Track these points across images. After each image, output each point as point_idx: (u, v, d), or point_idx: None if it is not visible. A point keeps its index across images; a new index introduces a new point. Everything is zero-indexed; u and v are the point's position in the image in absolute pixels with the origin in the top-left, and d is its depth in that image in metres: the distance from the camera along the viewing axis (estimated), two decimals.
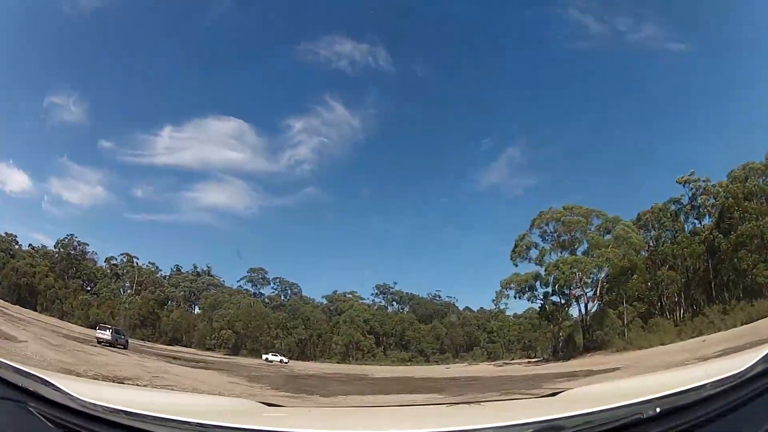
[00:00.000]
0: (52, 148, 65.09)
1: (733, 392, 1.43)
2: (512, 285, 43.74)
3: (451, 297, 73.36)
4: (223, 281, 68.02)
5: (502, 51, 64.13)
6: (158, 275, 64.52)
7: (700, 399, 1.43)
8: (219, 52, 68.31)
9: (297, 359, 56.03)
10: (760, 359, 1.48)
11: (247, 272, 68.21)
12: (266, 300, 68.25)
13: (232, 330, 58.66)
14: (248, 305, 63.07)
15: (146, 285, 60.65)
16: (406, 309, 72.02)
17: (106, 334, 31.32)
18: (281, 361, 49.36)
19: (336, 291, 71.90)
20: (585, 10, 59.28)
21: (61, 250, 56.79)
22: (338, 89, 72.79)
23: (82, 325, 46.68)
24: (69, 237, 57.43)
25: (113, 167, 66.46)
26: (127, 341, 33.63)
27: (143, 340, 49.48)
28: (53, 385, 1.47)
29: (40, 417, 1.42)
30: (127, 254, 61.89)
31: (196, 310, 65.22)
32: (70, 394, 1.45)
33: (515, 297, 44.47)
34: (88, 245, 57.73)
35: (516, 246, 43.28)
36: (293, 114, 72.07)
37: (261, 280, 68.79)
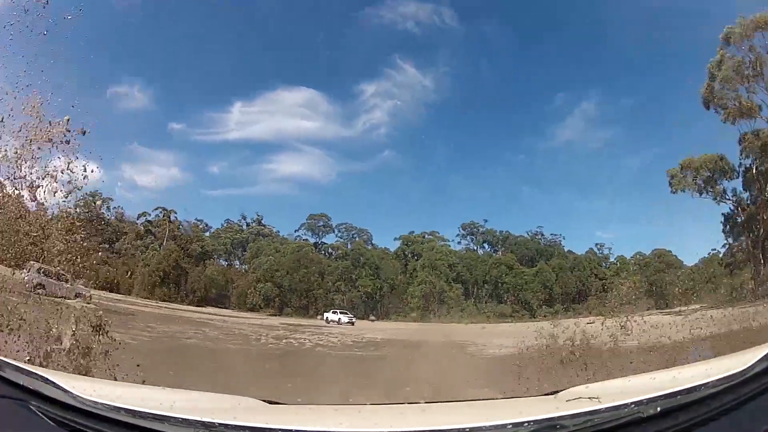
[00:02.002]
0: (121, 136, 75.59)
1: (733, 391, 1.64)
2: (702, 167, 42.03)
3: (556, 235, 72.23)
4: (277, 231, 71.98)
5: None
6: (199, 228, 70.68)
7: (701, 398, 1.66)
8: (283, 23, 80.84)
9: (363, 318, 58.13)
10: (759, 359, 1.66)
11: (306, 219, 71.02)
12: (329, 251, 70.84)
13: (271, 282, 61.80)
14: (294, 249, 66.09)
15: (182, 240, 66.56)
16: (500, 252, 72.08)
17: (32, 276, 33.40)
18: (344, 320, 51.83)
19: (412, 232, 72.77)
20: None
21: (80, 209, 63.48)
22: (407, 51, 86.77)
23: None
24: (90, 194, 64.23)
25: (186, 148, 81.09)
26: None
27: (161, 300, 53.36)
28: (54, 383, 1.99)
29: (42, 415, 1.94)
30: (163, 208, 68.40)
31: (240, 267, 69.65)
32: (71, 392, 1.97)
33: (699, 191, 42.71)
34: (112, 200, 64.93)
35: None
36: (365, 79, 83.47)
37: (323, 228, 71.61)
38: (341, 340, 33.41)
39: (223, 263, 70.58)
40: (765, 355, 1.76)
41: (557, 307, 62.41)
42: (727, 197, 43.22)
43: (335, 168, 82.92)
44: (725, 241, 50.79)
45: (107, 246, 62.60)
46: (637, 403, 1.71)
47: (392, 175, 79.47)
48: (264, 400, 2.95)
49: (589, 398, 2.20)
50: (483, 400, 3.19)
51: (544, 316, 58.16)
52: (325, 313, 55.04)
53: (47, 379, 2.03)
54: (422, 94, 78.01)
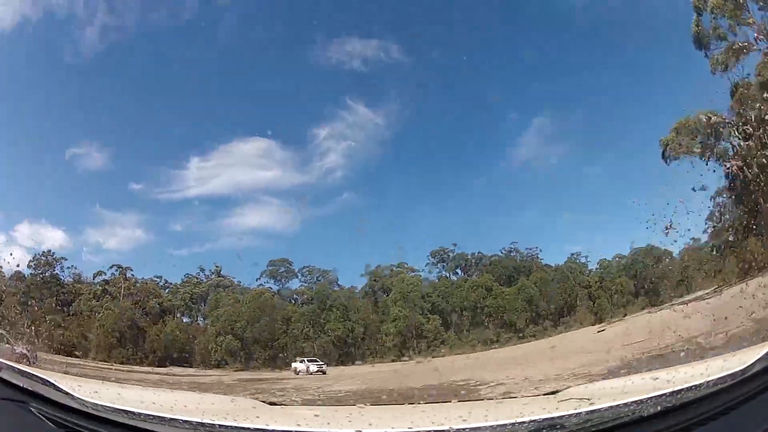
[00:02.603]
0: (83, 199, 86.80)
1: (732, 391, 1.88)
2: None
3: (532, 248, 72.74)
4: (239, 282, 71.90)
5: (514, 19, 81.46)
6: (157, 285, 71.24)
7: (701, 397, 1.89)
8: (231, 75, 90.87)
9: (337, 364, 57.76)
10: (759, 358, 1.92)
11: (267, 266, 71.13)
12: (294, 297, 70.99)
13: (232, 334, 61.74)
14: (254, 297, 65.78)
15: (139, 298, 67.33)
16: (474, 275, 72.54)
17: None
18: (313, 369, 50.39)
19: (379, 265, 72.66)
20: None
21: (34, 271, 66.24)
22: (356, 90, 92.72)
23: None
24: (43, 254, 66.49)
25: (147, 208, 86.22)
26: None
27: (119, 362, 53.32)
28: (54, 385, 2.10)
29: (42, 417, 2.05)
30: (118, 266, 69.60)
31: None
32: (71, 395, 2.09)
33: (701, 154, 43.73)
34: (66, 260, 67.55)
35: None
36: (316, 122, 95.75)
37: (285, 274, 72.16)
38: (301, 395, 27.84)
39: (186, 320, 70.73)
40: (764, 355, 2.00)
41: (545, 323, 63.31)
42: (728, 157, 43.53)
43: (297, 216, 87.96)
44: (709, 224, 53.48)
45: (62, 309, 63.47)
46: (637, 403, 1.94)
47: (354, 215, 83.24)
48: (264, 401, 3.10)
49: (588, 398, 2.42)
50: (483, 400, 3.40)
51: (533, 336, 59.00)
52: (292, 363, 54.51)
53: (47, 381, 2.15)
54: (375, 132, 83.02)
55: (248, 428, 2.14)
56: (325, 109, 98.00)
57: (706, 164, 44.71)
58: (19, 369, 2.20)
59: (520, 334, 62.10)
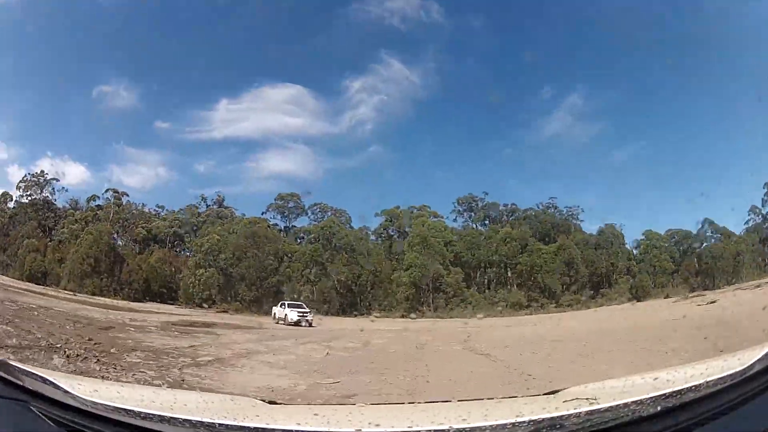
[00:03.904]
0: (107, 136, 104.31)
1: (733, 390, 2.17)
2: None
3: (572, 207, 73.05)
4: (242, 214, 71.91)
5: None
6: (154, 214, 73.63)
7: (701, 397, 2.18)
8: (267, 19, 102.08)
9: (336, 314, 57.20)
10: (759, 358, 2.20)
11: (275, 200, 72.16)
12: (301, 235, 71.16)
13: (215, 267, 61.54)
14: (244, 226, 66.23)
15: (127, 223, 69.99)
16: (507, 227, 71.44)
17: None
18: (292, 319, 46.11)
19: (398, 206, 72.65)
20: None
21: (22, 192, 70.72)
22: (393, 46, 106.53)
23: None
24: (34, 174, 70.81)
25: (172, 146, 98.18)
26: None
27: (92, 293, 53.48)
28: (55, 384, 2.44)
29: (42, 416, 2.39)
30: (114, 190, 72.72)
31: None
32: (71, 393, 2.42)
33: None
34: (57, 181, 71.34)
35: None
36: (350, 74, 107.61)
37: (293, 209, 73.13)
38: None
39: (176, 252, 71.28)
40: (765, 355, 2.28)
41: (585, 292, 62.61)
42: None
43: (321, 165, 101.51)
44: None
45: (43, 232, 66.98)
46: (637, 403, 2.24)
47: (379, 170, 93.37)
48: (264, 400, 3.51)
49: (588, 398, 2.73)
50: (483, 399, 3.75)
51: (569, 305, 58.90)
52: (273, 308, 51.00)
53: (47, 379, 2.50)
54: (409, 89, 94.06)
55: (248, 427, 2.46)
56: (361, 61, 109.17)
57: None
58: (18, 367, 2.52)
59: (556, 300, 61.63)
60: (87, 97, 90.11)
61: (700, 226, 65.02)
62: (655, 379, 2.83)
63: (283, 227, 72.92)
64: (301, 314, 47.01)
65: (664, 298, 53.35)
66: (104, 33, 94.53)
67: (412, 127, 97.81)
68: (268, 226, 68.74)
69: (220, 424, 2.39)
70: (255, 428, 2.42)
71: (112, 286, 59.56)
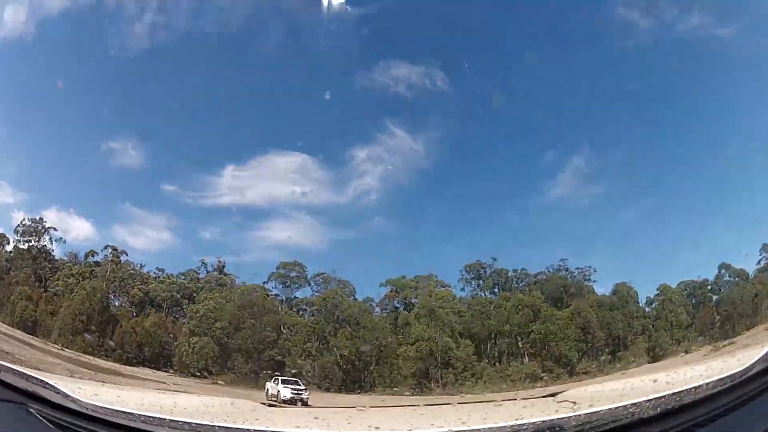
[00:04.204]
0: (114, 194, 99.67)
1: (732, 392, 2.25)
2: None
3: (583, 268, 71.77)
4: (243, 282, 71.37)
5: (554, 59, 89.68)
6: (153, 276, 73.92)
7: (700, 398, 2.27)
8: (276, 88, 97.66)
9: (338, 391, 56.69)
10: (758, 359, 2.28)
11: (276, 268, 71.40)
12: (303, 307, 70.92)
13: (209, 336, 61.13)
14: (241, 294, 66.02)
15: (124, 283, 70.40)
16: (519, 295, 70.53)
17: None
18: (285, 397, 42.51)
19: (404, 276, 71.96)
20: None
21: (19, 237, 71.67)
22: (398, 115, 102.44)
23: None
24: (32, 220, 71.10)
25: (178, 211, 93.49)
26: None
27: (84, 351, 53.72)
28: (54, 387, 2.54)
29: (41, 419, 2.49)
30: (113, 247, 72.48)
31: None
32: (70, 396, 2.52)
33: None
34: (55, 230, 71.38)
35: None
36: (356, 144, 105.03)
37: (296, 279, 72.42)
38: None
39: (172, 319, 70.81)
40: (764, 355, 2.38)
41: (603, 357, 61.36)
42: None
43: (326, 235, 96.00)
44: None
45: (36, 282, 67.69)
46: (636, 405, 2.32)
47: (384, 240, 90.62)
48: (263, 404, 3.58)
49: (587, 400, 2.83)
50: (483, 402, 3.83)
51: (585, 373, 57.71)
52: (266, 383, 48.94)
53: (47, 383, 2.61)
54: (413, 158, 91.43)
55: (248, 430, 2.59)
56: (367, 131, 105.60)
57: None
58: (18, 371, 2.66)
59: (570, 370, 60.60)
60: (95, 153, 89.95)
61: (717, 271, 65.57)
62: (655, 381, 2.91)
63: (284, 298, 72.25)
64: (296, 392, 44.43)
65: (683, 354, 53.73)
66: (115, 87, 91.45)
67: (416, 196, 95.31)
68: (267, 296, 68.46)
69: (219, 427, 2.49)
70: (253, 431, 2.51)
71: (104, 347, 59.39)
